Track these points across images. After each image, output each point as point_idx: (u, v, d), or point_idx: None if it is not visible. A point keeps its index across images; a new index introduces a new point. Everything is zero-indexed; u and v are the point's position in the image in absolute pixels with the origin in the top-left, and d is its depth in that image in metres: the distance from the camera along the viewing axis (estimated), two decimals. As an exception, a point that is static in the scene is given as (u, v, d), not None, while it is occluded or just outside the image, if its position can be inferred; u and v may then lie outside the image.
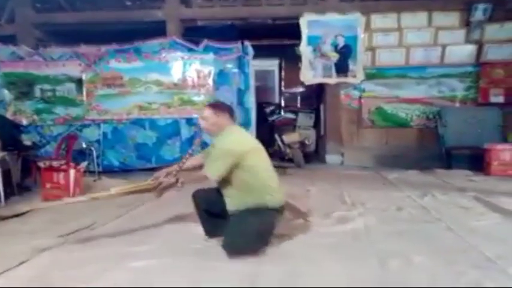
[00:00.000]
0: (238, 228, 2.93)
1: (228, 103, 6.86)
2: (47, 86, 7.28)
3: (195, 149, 3.49)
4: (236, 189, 3.04)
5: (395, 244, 3.12)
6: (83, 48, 7.24)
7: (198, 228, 3.40)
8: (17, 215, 4.21)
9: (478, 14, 7.16)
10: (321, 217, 3.88)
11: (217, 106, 3.21)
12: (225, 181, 3.03)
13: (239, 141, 3.11)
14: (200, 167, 3.24)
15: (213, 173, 2.96)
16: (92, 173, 6.22)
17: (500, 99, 7.27)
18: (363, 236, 3.34)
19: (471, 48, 7.36)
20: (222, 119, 3.12)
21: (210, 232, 3.28)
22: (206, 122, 3.12)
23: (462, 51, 7.40)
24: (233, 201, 3.08)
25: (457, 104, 7.50)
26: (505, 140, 6.77)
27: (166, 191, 3.13)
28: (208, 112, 3.13)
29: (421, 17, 7.45)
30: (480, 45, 7.29)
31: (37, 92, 7.28)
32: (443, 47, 7.40)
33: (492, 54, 7.27)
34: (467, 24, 7.32)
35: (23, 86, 7.26)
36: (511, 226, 3.55)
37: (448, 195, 4.74)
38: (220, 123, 3.11)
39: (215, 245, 3.13)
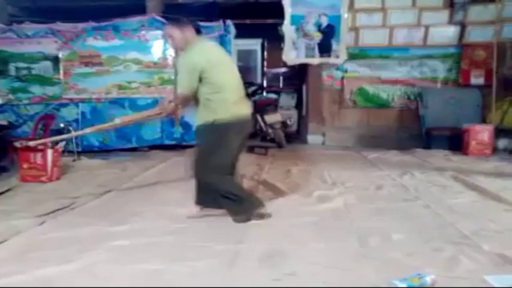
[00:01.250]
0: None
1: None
2: (22, 64, 7.04)
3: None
4: (200, 104, 3.12)
5: (374, 222, 3.17)
6: (59, 25, 6.99)
7: (180, 210, 3.39)
8: (-7, 196, 4.13)
9: (463, -5, 7.17)
10: (302, 196, 3.91)
11: (180, 21, 3.19)
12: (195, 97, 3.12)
13: (202, 53, 3.09)
14: None
15: (182, 88, 3.05)
16: (70, 152, 6.10)
17: (481, 80, 7.33)
18: (344, 214, 3.38)
19: (454, 30, 7.37)
20: (188, 33, 3.10)
21: (200, 201, 3.32)
22: (173, 39, 3.13)
23: (445, 33, 7.41)
24: (196, 117, 3.19)
25: (439, 85, 7.55)
26: (483, 120, 6.88)
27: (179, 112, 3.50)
28: (171, 28, 3.14)
29: (406, -4, 7.41)
30: (463, 26, 7.31)
31: (12, 70, 7.03)
32: (427, 27, 7.39)
33: (474, 35, 7.29)
34: (451, 5, 7.32)
35: (-3, 64, 7.01)
36: (487, 204, 3.65)
37: (427, 174, 4.82)
38: (187, 38, 3.10)
39: (198, 224, 3.13)
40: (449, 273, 2.26)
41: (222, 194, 3.14)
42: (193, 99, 3.15)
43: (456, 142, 6.47)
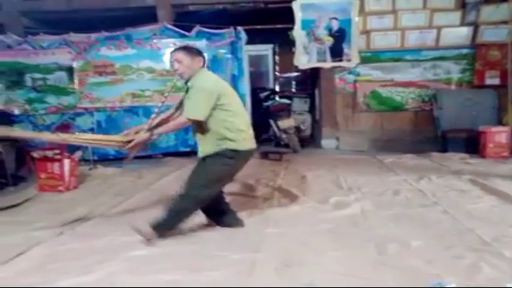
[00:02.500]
0: (196, 172, 3.04)
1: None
2: (37, 75, 7.16)
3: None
4: (210, 132, 3.01)
5: (392, 229, 3.13)
6: (73, 36, 7.11)
7: (195, 218, 3.39)
8: (12, 206, 4.19)
9: (474, -5, 7.10)
10: (318, 203, 3.88)
11: (192, 49, 3.13)
12: (200, 125, 3.02)
13: (217, 81, 3.11)
14: (168, 120, 3.24)
15: (197, 113, 2.92)
16: (87, 161, 6.18)
17: (496, 81, 7.22)
18: (360, 221, 3.35)
19: (467, 30, 7.29)
20: (197, 62, 3.04)
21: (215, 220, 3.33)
22: (181, 64, 3.01)
23: (458, 33, 7.33)
24: (204, 145, 3.07)
25: (453, 87, 7.46)
26: (500, 122, 6.78)
27: (138, 148, 3.10)
28: (183, 54, 3.03)
29: (416, -1, 7.37)
30: (476, 26, 7.22)
31: (28, 81, 7.16)
32: (439, 29, 7.32)
33: (488, 35, 7.21)
34: (462, 6, 7.25)
35: (13, 75, 7.14)
36: (506, 208, 3.57)
37: (444, 179, 4.75)
38: (195, 67, 3.03)
39: (214, 233, 3.13)
40: (471, 281, 2.22)
41: (177, 209, 2.99)
42: (196, 127, 3.06)
43: (473, 144, 6.37)
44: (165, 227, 2.98)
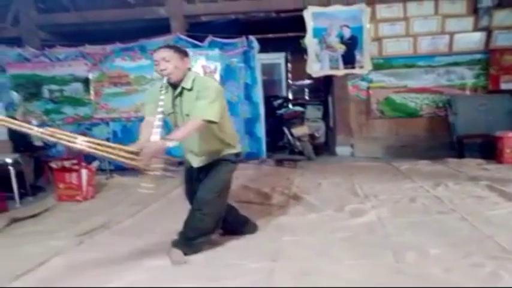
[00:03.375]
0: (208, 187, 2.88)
1: (236, 98, 6.96)
2: (54, 87, 7.31)
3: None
4: (212, 137, 2.84)
5: (410, 236, 3.12)
6: (88, 48, 7.26)
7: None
8: (32, 216, 4.26)
9: (486, 1, 7.04)
10: (334, 211, 3.88)
11: (180, 48, 2.85)
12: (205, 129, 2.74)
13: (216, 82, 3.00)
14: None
15: (214, 115, 2.65)
16: (103, 171, 6.25)
17: (511, 85, 7.17)
18: (377, 229, 3.34)
19: (480, 35, 7.25)
20: (186, 63, 2.77)
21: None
22: (169, 64, 2.68)
23: (470, 39, 7.29)
24: (205, 152, 2.89)
25: (467, 92, 7.41)
26: (516, 127, 6.69)
27: (153, 157, 2.55)
28: (171, 52, 2.72)
29: (428, 5, 7.33)
30: (489, 31, 7.17)
31: (45, 93, 7.32)
32: (451, 34, 7.29)
33: (501, 40, 7.16)
34: (474, 11, 7.21)
35: (31, 87, 7.30)
36: (526, 215, 3.53)
37: (461, 185, 4.71)
38: (183, 68, 2.75)
39: (231, 241, 3.15)
40: (491, 290, 2.21)
41: (201, 231, 2.91)
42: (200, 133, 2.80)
43: (489, 150, 6.29)
44: (192, 249, 2.90)
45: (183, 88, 2.77)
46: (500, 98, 6.95)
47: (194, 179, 3.03)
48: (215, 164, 2.90)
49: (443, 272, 2.45)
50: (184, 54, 2.81)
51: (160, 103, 2.66)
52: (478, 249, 2.76)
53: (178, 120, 2.84)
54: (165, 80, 2.72)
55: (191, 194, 3.03)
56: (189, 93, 2.76)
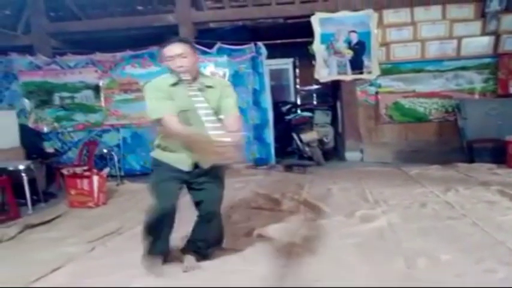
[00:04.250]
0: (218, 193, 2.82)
1: (244, 104, 7.00)
2: (65, 94, 7.42)
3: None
4: None
5: (421, 242, 3.11)
6: (99, 56, 7.36)
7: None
8: (44, 222, 4.31)
9: (494, 5, 7.05)
10: (345, 216, 3.87)
11: (192, 43, 2.72)
12: None
13: None
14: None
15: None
16: (113, 177, 6.31)
17: (521, 90, 7.13)
18: (388, 234, 3.33)
19: (488, 40, 7.22)
20: (197, 59, 2.66)
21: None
22: (186, 60, 2.53)
23: (479, 43, 7.26)
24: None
25: (476, 97, 7.37)
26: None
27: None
28: (189, 48, 2.58)
29: (435, 10, 7.32)
30: (497, 36, 7.15)
31: (56, 100, 7.42)
32: (459, 39, 7.27)
33: (510, 44, 7.12)
34: (482, 15, 7.20)
35: (42, 95, 7.42)
36: (538, 220, 3.50)
37: (472, 190, 4.67)
38: (197, 64, 2.64)
39: (241, 247, 3.16)
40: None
41: (218, 236, 2.98)
42: None
43: (499, 154, 6.25)
44: (203, 258, 2.91)
45: (205, 86, 2.59)
46: (509, 102, 6.90)
47: (185, 181, 2.78)
48: (215, 169, 2.69)
49: (455, 278, 2.45)
50: (195, 48, 2.71)
51: (179, 99, 2.53)
52: (489, 255, 2.75)
53: (191, 118, 2.51)
54: (173, 76, 2.58)
55: (175, 195, 2.80)
56: (213, 91, 2.61)
